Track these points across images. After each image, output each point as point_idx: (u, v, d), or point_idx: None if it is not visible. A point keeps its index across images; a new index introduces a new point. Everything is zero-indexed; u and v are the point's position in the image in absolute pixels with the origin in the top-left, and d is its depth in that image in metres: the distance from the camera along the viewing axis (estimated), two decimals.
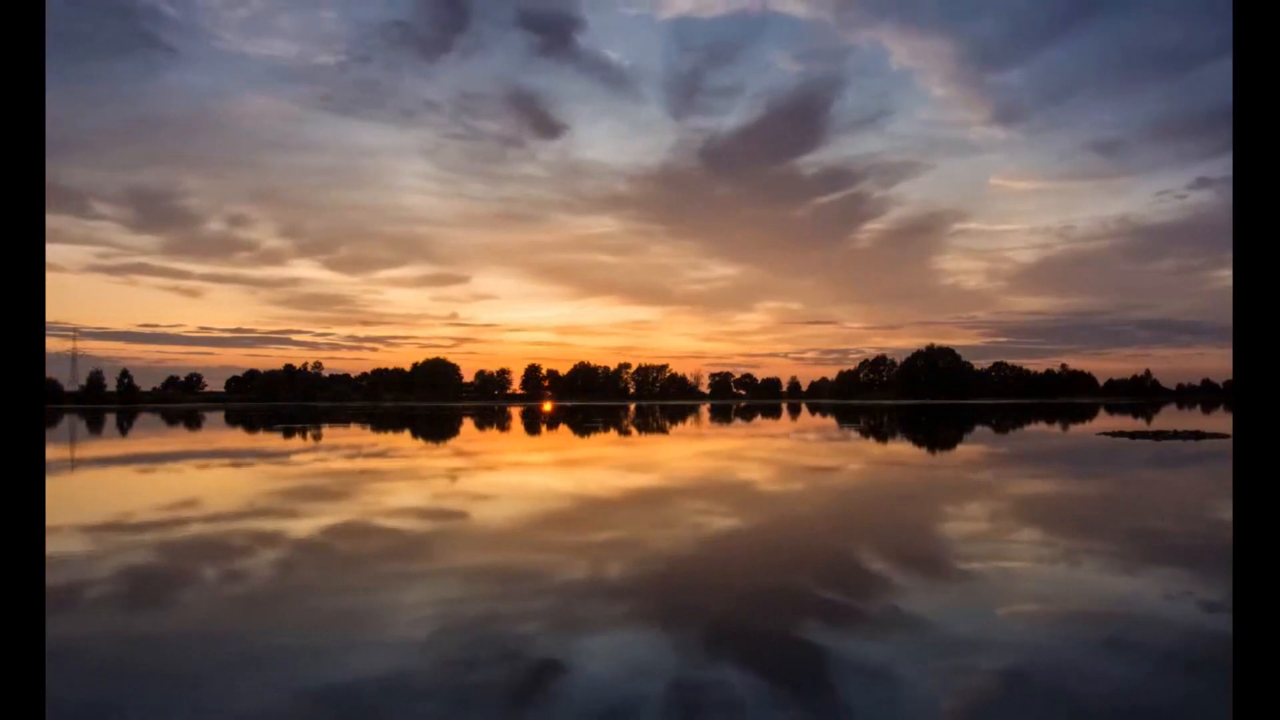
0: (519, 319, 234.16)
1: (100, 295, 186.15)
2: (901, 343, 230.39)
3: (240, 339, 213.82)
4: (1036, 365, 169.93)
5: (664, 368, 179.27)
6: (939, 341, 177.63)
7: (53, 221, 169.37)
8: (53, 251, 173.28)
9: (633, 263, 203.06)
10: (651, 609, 5.82)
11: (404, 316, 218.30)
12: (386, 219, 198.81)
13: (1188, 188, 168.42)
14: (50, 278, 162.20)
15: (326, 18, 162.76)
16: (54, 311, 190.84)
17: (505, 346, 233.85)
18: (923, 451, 22.50)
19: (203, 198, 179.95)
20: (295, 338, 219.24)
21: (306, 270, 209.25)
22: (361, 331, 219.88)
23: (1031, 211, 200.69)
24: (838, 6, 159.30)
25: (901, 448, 24.16)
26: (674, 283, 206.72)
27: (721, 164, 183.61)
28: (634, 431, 35.35)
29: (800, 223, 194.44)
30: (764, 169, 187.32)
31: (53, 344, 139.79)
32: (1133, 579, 6.74)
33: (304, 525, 9.51)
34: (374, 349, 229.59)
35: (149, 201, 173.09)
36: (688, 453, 22.11)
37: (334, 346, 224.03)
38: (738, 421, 46.64)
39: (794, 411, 69.31)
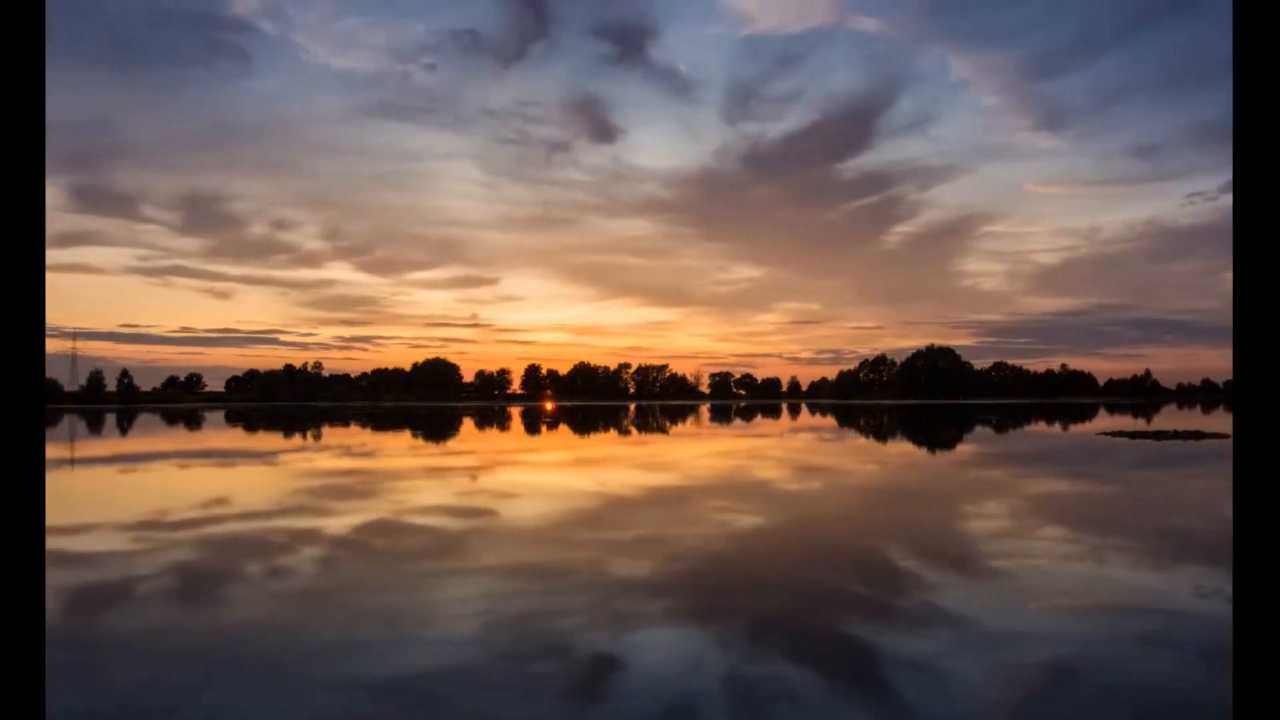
0: (537, 320, 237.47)
1: (135, 297, 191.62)
2: (914, 343, 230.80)
3: (227, 339, 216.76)
4: (1040, 365, 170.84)
5: (664, 368, 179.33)
6: (952, 342, 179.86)
7: (100, 224, 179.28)
8: (93, 254, 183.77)
9: (660, 265, 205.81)
10: (693, 604, 5.91)
11: (424, 317, 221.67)
12: (426, 222, 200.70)
13: (1219, 189, 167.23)
14: (87, 279, 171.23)
15: (416, 31, 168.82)
16: (86, 313, 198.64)
17: (516, 348, 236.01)
18: (929, 452, 22.51)
19: (251, 202, 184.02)
20: (283, 337, 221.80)
21: (340, 272, 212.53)
22: (381, 332, 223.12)
23: (1061, 214, 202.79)
24: (907, 22, 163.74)
25: (907, 448, 24.16)
26: (698, 284, 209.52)
27: (764, 168, 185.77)
28: (641, 432, 35.35)
29: (831, 225, 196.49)
30: (806, 172, 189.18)
31: (53, 344, 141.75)
32: (1161, 575, 6.82)
33: (333, 524, 9.56)
34: (364, 349, 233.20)
35: (198, 205, 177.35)
36: (698, 452, 22.13)
37: (324, 346, 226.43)
38: (738, 422, 46.64)
39: (794, 411, 69.32)
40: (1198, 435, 26.38)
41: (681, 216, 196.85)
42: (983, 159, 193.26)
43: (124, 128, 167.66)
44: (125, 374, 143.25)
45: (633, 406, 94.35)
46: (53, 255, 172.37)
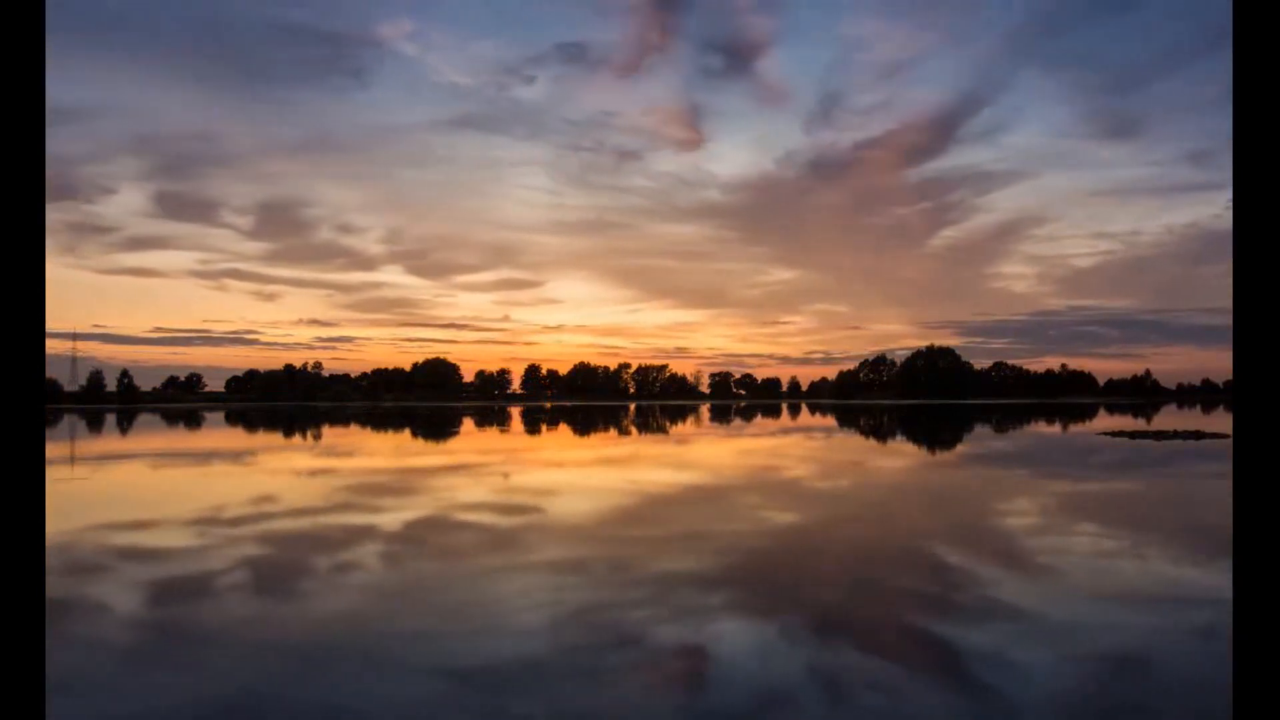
0: (565, 321, 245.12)
1: (187, 298, 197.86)
2: (937, 343, 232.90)
3: (204, 338, 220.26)
4: (1047, 365, 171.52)
5: (664, 368, 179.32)
6: (966, 343, 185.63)
7: (176, 229, 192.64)
8: (158, 258, 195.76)
9: (698, 268, 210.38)
10: (749, 598, 6.04)
11: (460, 318, 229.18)
12: (485, 227, 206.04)
13: None
14: (140, 282, 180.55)
15: (531, 46, 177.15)
16: (129, 311, 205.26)
17: (526, 348, 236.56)
18: (937, 452, 22.52)
19: (324, 208, 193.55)
20: (263, 339, 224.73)
21: (390, 275, 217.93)
22: (417, 334, 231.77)
23: (1106, 219, 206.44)
24: (1004, 42, 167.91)
25: (913, 448, 24.17)
26: (733, 287, 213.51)
27: (827, 174, 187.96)
28: (647, 433, 35.33)
29: (877, 228, 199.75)
30: (869, 179, 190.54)
31: (53, 345, 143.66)
32: (1195, 570, 7.02)
33: (378, 521, 9.74)
34: (350, 350, 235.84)
35: (273, 211, 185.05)
36: (711, 453, 22.15)
37: (309, 346, 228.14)
38: (738, 421, 46.62)
39: (794, 411, 69.33)
40: (1198, 435, 26.36)
41: (731, 221, 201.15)
42: (1044, 166, 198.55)
43: (224, 139, 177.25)
44: (125, 374, 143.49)
45: (633, 406, 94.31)
46: (118, 259, 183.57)
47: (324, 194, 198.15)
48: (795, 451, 21.96)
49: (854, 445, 25.36)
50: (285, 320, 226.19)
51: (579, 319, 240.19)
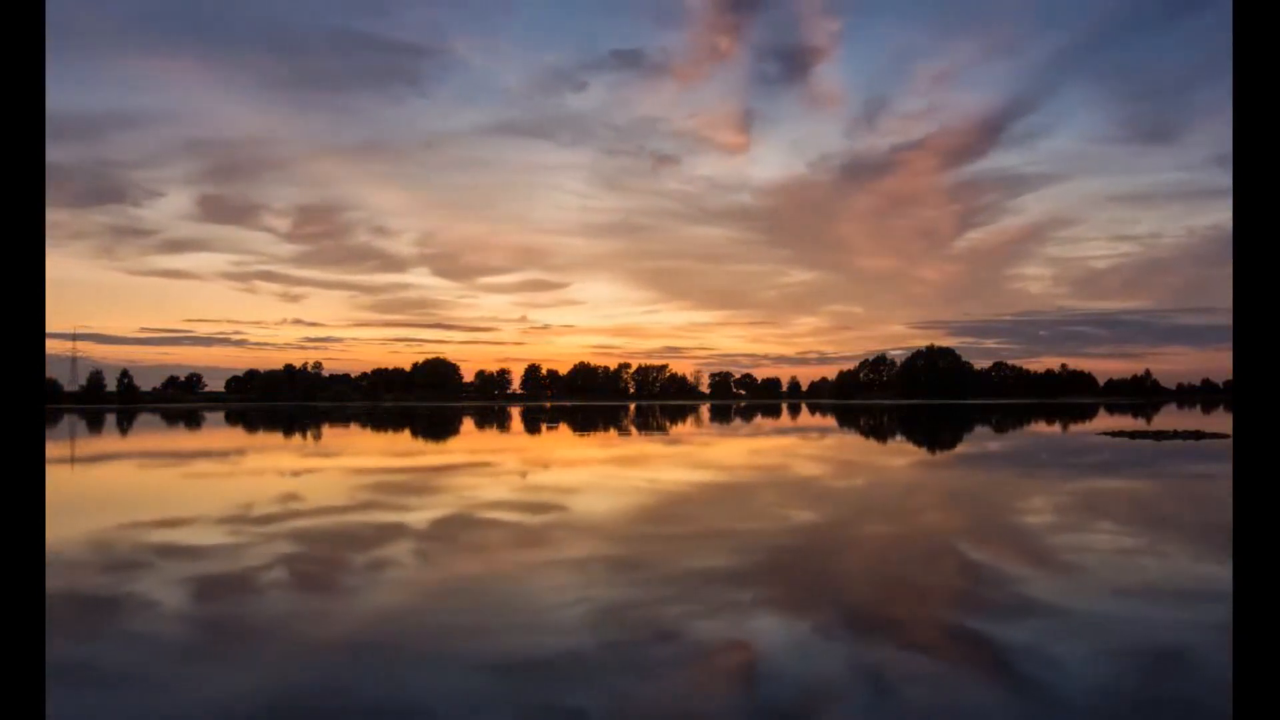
0: (581, 321, 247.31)
1: (215, 300, 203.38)
2: (945, 343, 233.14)
3: (182, 337, 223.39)
4: (1038, 365, 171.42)
5: (664, 368, 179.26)
6: (969, 343, 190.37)
7: (214, 231, 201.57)
8: (194, 260, 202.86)
9: (719, 270, 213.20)
10: (778, 594, 6.13)
11: (478, 319, 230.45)
12: (517, 230, 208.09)
13: None
14: (171, 283, 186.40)
15: (590, 54, 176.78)
16: (158, 310, 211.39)
17: (534, 348, 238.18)
18: (940, 452, 22.53)
19: (363, 211, 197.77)
20: (274, 339, 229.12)
21: (416, 277, 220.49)
22: (432, 335, 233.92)
23: (1132, 221, 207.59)
24: (1053, 52, 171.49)
25: (914, 448, 24.17)
26: (751, 289, 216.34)
27: (861, 178, 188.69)
28: (652, 433, 35.31)
29: (903, 231, 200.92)
30: (904, 183, 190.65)
31: (53, 345, 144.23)
32: (1196, 564, 7.21)
33: (407, 518, 9.86)
34: (343, 350, 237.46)
35: (312, 214, 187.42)
36: (716, 453, 22.14)
37: (299, 347, 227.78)
38: (738, 421, 46.60)
39: (794, 411, 69.31)
40: (1197, 435, 26.35)
41: (759, 224, 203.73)
42: (1077, 170, 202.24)
43: (277, 143, 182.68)
44: (125, 374, 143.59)
45: (632, 407, 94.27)
46: (154, 261, 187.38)
47: (365, 197, 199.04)
48: (799, 451, 21.98)
49: (856, 445, 25.37)
50: (292, 320, 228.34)
51: (592, 320, 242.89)
